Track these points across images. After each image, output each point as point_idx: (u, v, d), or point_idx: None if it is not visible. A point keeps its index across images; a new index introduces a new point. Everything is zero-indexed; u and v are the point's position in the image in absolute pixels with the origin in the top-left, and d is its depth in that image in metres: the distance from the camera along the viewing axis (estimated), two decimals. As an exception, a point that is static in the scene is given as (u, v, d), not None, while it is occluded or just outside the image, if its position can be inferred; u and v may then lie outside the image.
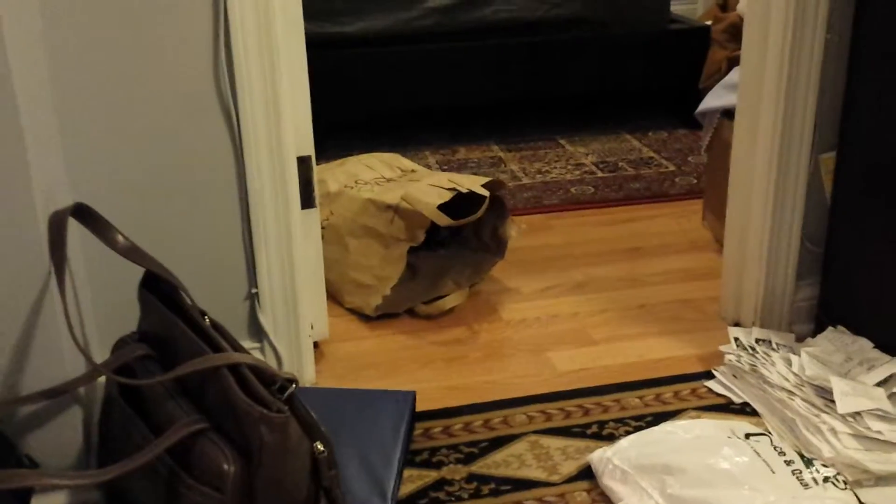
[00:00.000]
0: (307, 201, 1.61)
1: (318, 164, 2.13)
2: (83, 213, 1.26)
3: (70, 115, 1.37)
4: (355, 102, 2.98)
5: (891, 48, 1.53)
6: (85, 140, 1.39)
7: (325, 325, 1.80)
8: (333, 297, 2.00)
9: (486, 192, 1.92)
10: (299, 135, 1.57)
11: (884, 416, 1.44)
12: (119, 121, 1.40)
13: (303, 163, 1.58)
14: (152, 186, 1.45)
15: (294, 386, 1.09)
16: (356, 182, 2.10)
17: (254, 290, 1.55)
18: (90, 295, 1.44)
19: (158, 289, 1.26)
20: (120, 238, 1.26)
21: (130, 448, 1.13)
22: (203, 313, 1.22)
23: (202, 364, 1.10)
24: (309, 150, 1.61)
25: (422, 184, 2.00)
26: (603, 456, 1.41)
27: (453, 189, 1.93)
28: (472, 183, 1.96)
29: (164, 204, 1.46)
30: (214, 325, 1.21)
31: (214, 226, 1.49)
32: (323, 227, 1.95)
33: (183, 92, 1.41)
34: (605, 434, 1.53)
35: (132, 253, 1.25)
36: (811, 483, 1.23)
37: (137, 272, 1.26)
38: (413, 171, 2.20)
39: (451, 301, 1.97)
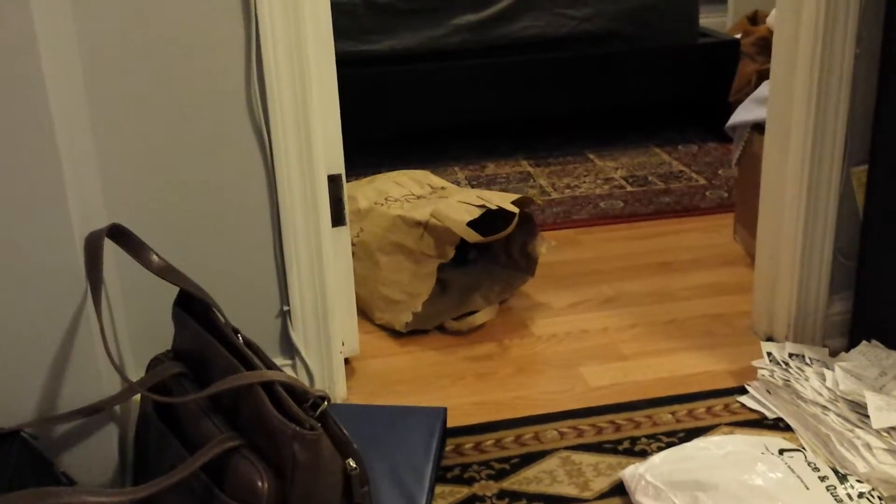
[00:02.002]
0: (338, 219, 1.62)
1: (347, 182, 2.17)
2: (118, 234, 1.28)
3: (106, 137, 1.40)
4: (385, 119, 3.01)
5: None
6: (120, 161, 1.41)
7: (355, 342, 1.81)
8: (364, 313, 2.01)
9: (515, 209, 1.92)
10: (329, 153, 1.58)
11: (920, 432, 1.42)
12: (153, 142, 1.43)
13: (333, 181, 1.60)
14: (186, 207, 1.47)
15: (326, 403, 1.10)
16: (386, 199, 2.12)
17: (285, 308, 1.57)
18: (125, 314, 1.47)
19: (192, 307, 1.27)
20: (155, 258, 1.27)
21: (165, 465, 1.15)
22: (236, 331, 1.23)
23: (236, 381, 1.11)
24: (339, 168, 1.62)
25: (451, 200, 2.01)
26: (635, 472, 1.40)
27: (482, 206, 1.94)
28: (502, 200, 1.97)
29: (197, 223, 1.48)
30: (247, 342, 1.22)
31: (246, 244, 1.51)
32: (353, 244, 1.97)
33: (216, 113, 1.43)
34: (637, 450, 1.53)
35: (167, 272, 1.27)
36: (845, 499, 1.22)
37: (171, 291, 1.28)
38: (442, 188, 2.21)
39: (480, 317, 1.97)
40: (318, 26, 1.51)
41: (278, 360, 1.59)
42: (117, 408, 1.31)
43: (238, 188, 1.48)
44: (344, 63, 2.85)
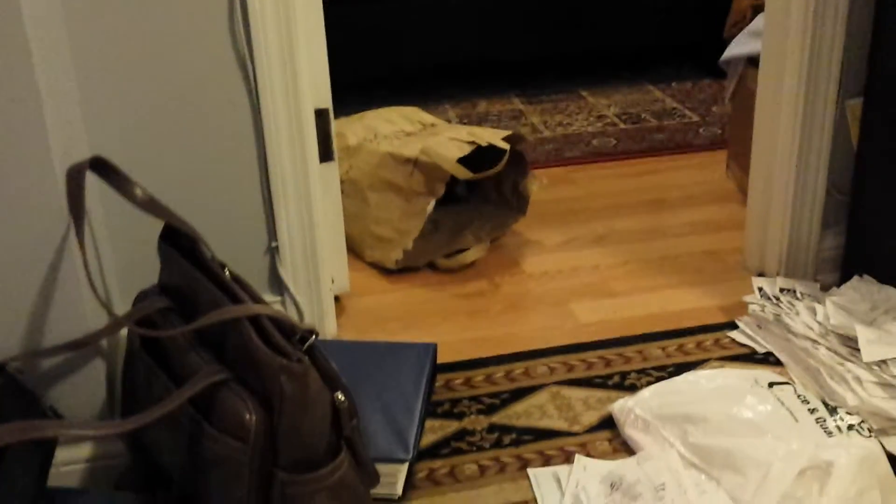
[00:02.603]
0: (326, 155, 1.60)
1: (337, 119, 2.14)
2: (101, 167, 1.25)
3: (86, 69, 1.36)
4: (376, 57, 2.96)
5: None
6: (103, 97, 1.38)
7: (345, 279, 1.80)
8: (354, 251, 1.99)
9: (505, 146, 1.90)
10: (316, 87, 1.55)
11: (910, 365, 1.43)
12: (135, 78, 1.39)
13: (320, 116, 1.57)
14: (170, 140, 1.44)
15: (314, 337, 1.09)
16: (375, 135, 2.09)
17: (274, 244, 1.55)
18: (110, 248, 1.45)
19: (178, 242, 1.25)
20: (138, 191, 1.25)
21: (153, 399, 1.14)
22: (223, 265, 1.21)
23: (222, 315, 1.09)
24: (326, 102, 1.59)
25: (441, 137, 1.98)
26: (625, 406, 1.40)
27: (472, 142, 1.92)
28: (492, 136, 1.94)
29: (182, 157, 1.46)
30: (234, 277, 1.21)
31: (233, 179, 1.49)
32: (343, 182, 1.94)
33: (199, 47, 1.40)
34: (626, 385, 1.53)
35: (151, 206, 1.24)
36: (835, 431, 1.23)
37: (158, 225, 1.26)
38: (433, 124, 2.18)
39: (471, 255, 1.96)
40: (303, -46, 1.47)
41: (267, 297, 1.58)
42: (104, 342, 1.30)
43: (223, 123, 1.45)
44: (334, 0, 2.79)
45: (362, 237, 1.99)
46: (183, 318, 1.21)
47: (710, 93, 3.00)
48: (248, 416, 1.05)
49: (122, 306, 1.43)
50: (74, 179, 1.21)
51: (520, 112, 2.92)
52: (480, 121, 2.84)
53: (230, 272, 1.21)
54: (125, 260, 1.46)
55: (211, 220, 1.49)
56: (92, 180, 1.27)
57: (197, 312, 1.16)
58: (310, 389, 1.05)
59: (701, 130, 2.68)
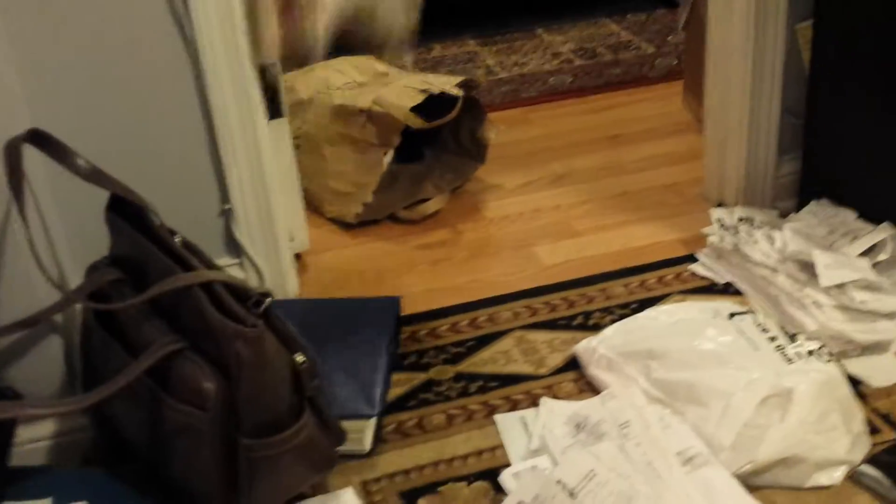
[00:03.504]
0: (275, 111, 1.57)
1: (288, 73, 2.10)
2: (40, 139, 1.22)
3: (21, 42, 1.32)
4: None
5: None
6: (39, 67, 1.34)
7: (305, 237, 1.78)
8: (315, 207, 1.97)
9: (458, 92, 1.87)
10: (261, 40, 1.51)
11: (867, 286, 1.44)
12: (69, 43, 1.35)
13: (266, 71, 1.53)
14: (110, 106, 1.40)
15: (269, 300, 1.08)
16: (327, 87, 2.05)
17: (227, 206, 1.52)
18: (60, 221, 1.42)
19: (126, 211, 1.23)
20: (81, 162, 1.22)
21: (111, 373, 1.13)
22: (173, 232, 1.19)
23: (174, 284, 1.08)
24: (272, 56, 1.56)
25: (394, 86, 1.95)
26: (588, 346, 1.41)
27: (425, 90, 1.89)
28: (445, 83, 1.91)
29: (124, 123, 1.42)
30: (186, 244, 1.19)
31: (179, 142, 1.45)
32: (297, 137, 1.91)
33: (131, 3, 1.35)
34: (590, 324, 1.53)
35: (95, 176, 1.21)
36: (795, 357, 1.24)
37: (106, 195, 1.23)
38: (385, 73, 2.15)
39: (432, 205, 1.94)
40: None
41: (225, 260, 1.56)
42: (59, 318, 1.28)
43: (163, 85, 1.41)
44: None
45: (321, 193, 1.97)
46: (136, 289, 1.19)
47: (665, 23, 2.97)
48: (206, 384, 1.04)
49: (76, 279, 1.40)
50: (12, 154, 1.18)
51: (475, 54, 2.88)
52: (436, 65, 2.80)
53: (182, 239, 1.19)
54: (76, 232, 1.43)
55: (160, 185, 1.45)
56: (36, 154, 1.23)
57: (149, 283, 1.14)
58: (267, 353, 1.04)
59: (657, 62, 2.66)
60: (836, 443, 1.18)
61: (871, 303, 1.41)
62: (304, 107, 2.03)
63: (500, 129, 2.05)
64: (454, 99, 1.87)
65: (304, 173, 1.83)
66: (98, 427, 1.29)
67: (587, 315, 1.56)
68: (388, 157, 1.91)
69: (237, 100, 1.45)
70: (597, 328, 1.50)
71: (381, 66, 2.18)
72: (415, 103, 1.84)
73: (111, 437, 1.26)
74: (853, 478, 1.18)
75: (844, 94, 1.60)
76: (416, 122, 1.83)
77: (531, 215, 1.92)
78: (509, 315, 1.58)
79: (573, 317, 1.56)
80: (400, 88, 1.92)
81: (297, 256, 1.75)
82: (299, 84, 2.08)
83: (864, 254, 1.50)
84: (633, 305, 1.57)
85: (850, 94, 1.59)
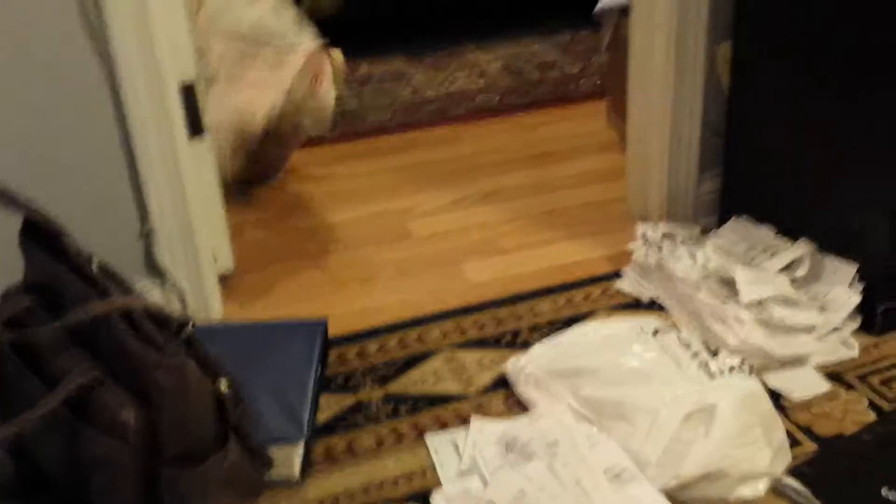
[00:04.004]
0: (195, 129, 1.54)
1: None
2: (-52, 163, 1.18)
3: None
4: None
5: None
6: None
7: (229, 257, 1.75)
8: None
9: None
10: (179, 59, 1.48)
11: (786, 302, 1.47)
12: (-21, 60, 1.31)
13: (187, 89, 1.51)
14: (24, 127, 1.36)
15: (190, 326, 1.06)
16: None
17: (147, 228, 1.49)
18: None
19: (41, 236, 1.19)
20: (-7, 186, 1.18)
21: (27, 404, 1.09)
22: (91, 258, 1.16)
23: (91, 311, 1.05)
24: (191, 74, 1.53)
25: None
26: (517, 365, 1.41)
27: None
28: None
29: (38, 144, 1.38)
30: (104, 269, 1.15)
31: (96, 163, 1.42)
32: None
33: (46, 21, 1.32)
34: (519, 342, 1.54)
35: (7, 200, 1.17)
36: (717, 373, 1.26)
37: (19, 220, 1.19)
38: None
39: None
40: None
41: (146, 283, 1.52)
42: (-30, 348, 1.23)
43: (79, 105, 1.38)
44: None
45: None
46: (53, 316, 1.15)
47: (589, 43, 3.01)
48: (125, 414, 1.01)
49: (-11, 306, 1.35)
50: (-83, 179, 1.13)
51: (402, 73, 2.88)
52: (363, 83, 2.79)
53: (99, 264, 1.16)
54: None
55: (77, 207, 1.41)
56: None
57: (65, 310, 1.10)
58: (189, 382, 1.02)
59: (581, 82, 2.70)
60: (757, 455, 1.20)
61: (790, 318, 1.44)
62: None
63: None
64: None
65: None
66: (14, 459, 1.24)
67: (515, 333, 1.56)
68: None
69: (156, 118, 1.43)
70: (525, 346, 1.50)
71: None
72: None
73: (28, 469, 1.21)
74: (776, 490, 1.20)
75: (762, 114, 1.65)
76: None
77: (459, 233, 1.93)
78: (438, 334, 1.57)
79: (502, 335, 1.56)
80: None
81: (223, 278, 1.72)
82: None
83: (783, 270, 1.54)
84: (561, 323, 1.58)
85: (768, 113, 1.63)
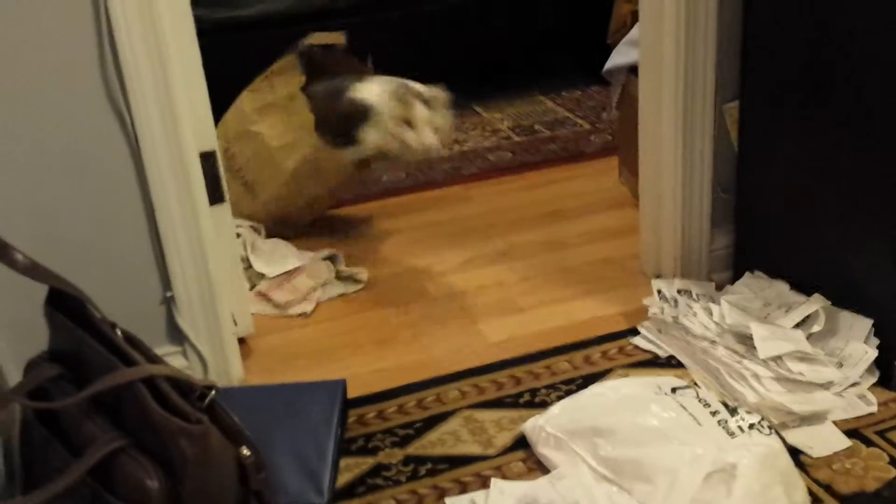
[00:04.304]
0: (215, 197, 1.57)
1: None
2: (-24, 235, 1.21)
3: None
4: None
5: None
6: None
7: (249, 321, 1.77)
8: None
9: None
10: (200, 129, 1.52)
11: (803, 358, 1.48)
12: (8, 135, 1.35)
13: (207, 158, 1.54)
14: (50, 197, 1.40)
15: (213, 393, 1.07)
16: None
17: (169, 294, 1.51)
18: (-2, 316, 1.39)
19: (65, 305, 1.21)
20: (19, 257, 1.20)
21: (51, 473, 1.10)
22: (114, 325, 1.18)
23: (114, 380, 1.06)
24: (212, 144, 1.57)
25: None
26: (536, 424, 1.41)
27: None
28: None
29: (64, 214, 1.41)
30: (127, 336, 1.17)
31: (120, 232, 1.45)
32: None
33: (71, 98, 1.36)
34: (537, 401, 1.54)
35: (33, 271, 1.20)
36: (737, 431, 1.26)
37: (45, 289, 1.22)
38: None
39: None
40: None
41: (167, 348, 1.54)
42: (-4, 417, 1.25)
43: (104, 173, 1.41)
44: (212, 31, 2.73)
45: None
46: (77, 384, 1.17)
47: (599, 100, 3.05)
48: (149, 483, 1.02)
49: (18, 374, 1.37)
50: (-54, 251, 1.16)
51: (415, 131, 2.92)
52: (377, 143, 2.83)
53: (122, 331, 1.18)
54: (14, 327, 1.41)
55: (100, 274, 1.44)
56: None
57: (90, 378, 1.12)
58: (212, 449, 1.03)
59: (592, 138, 2.73)
60: (780, 515, 1.20)
61: (808, 374, 1.44)
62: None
63: None
64: None
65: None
66: (37, 528, 1.24)
67: (534, 392, 1.57)
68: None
69: (178, 187, 1.46)
70: (543, 405, 1.51)
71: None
72: None
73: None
74: (799, 549, 1.20)
75: (772, 170, 1.67)
76: None
77: (475, 292, 1.94)
78: (456, 394, 1.58)
79: (520, 394, 1.57)
80: None
81: (241, 340, 1.74)
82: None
83: (799, 325, 1.55)
84: (579, 381, 1.58)
85: (778, 170, 1.65)
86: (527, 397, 1.56)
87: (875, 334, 1.51)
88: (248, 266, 2.00)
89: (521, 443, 1.44)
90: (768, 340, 1.49)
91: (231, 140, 2.12)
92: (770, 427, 1.29)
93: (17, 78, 1.33)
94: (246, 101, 2.16)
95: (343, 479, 1.39)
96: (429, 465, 1.41)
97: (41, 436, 1.17)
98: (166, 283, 1.51)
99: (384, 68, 3.03)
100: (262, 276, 1.99)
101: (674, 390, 1.38)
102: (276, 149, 2.10)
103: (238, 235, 2.01)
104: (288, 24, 2.87)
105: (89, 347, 1.15)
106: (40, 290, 1.23)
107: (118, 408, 1.10)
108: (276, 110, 2.12)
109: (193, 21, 1.50)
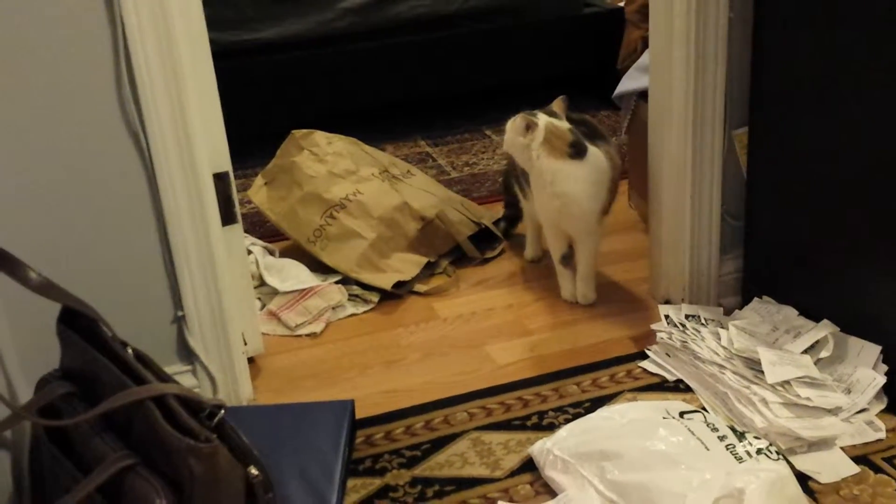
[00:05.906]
0: (228, 217, 1.59)
1: (256, 168, 2.27)
2: (-9, 253, 1.22)
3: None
4: (277, 109, 2.95)
5: (790, 18, 1.56)
6: (-11, 176, 1.35)
7: (259, 341, 1.78)
8: (341, 267, 2.07)
9: (498, 233, 2.24)
10: (214, 151, 1.54)
11: (811, 383, 1.48)
12: (23, 154, 1.37)
13: (220, 179, 1.56)
14: (64, 217, 1.41)
15: (222, 412, 1.08)
16: (382, 172, 2.25)
17: (180, 313, 1.53)
18: (10, 334, 1.41)
19: (77, 323, 1.23)
20: (32, 275, 1.22)
21: (60, 490, 1.11)
22: (125, 344, 1.19)
23: (125, 398, 1.07)
24: (226, 165, 1.58)
25: (451, 208, 2.22)
26: (543, 447, 1.42)
27: (478, 223, 2.22)
28: (484, 214, 2.29)
29: (77, 233, 1.43)
30: (138, 355, 1.19)
31: (132, 251, 1.47)
32: (349, 201, 2.12)
33: (87, 119, 1.38)
34: (545, 424, 1.54)
35: (45, 289, 1.21)
36: (745, 457, 1.26)
37: (57, 307, 1.23)
38: (409, 171, 2.34)
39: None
40: (189, 21, 1.46)
41: (177, 367, 1.55)
42: (8, 433, 1.26)
43: (118, 194, 1.43)
44: (230, 54, 2.76)
45: (358, 258, 2.06)
46: (87, 402, 1.18)
47: (608, 125, 3.07)
48: (157, 501, 1.03)
49: (28, 391, 1.38)
50: (-38, 268, 1.17)
51: (427, 154, 2.94)
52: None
53: (133, 350, 1.19)
54: (26, 345, 1.42)
55: (113, 293, 1.45)
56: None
57: (100, 396, 1.13)
58: (220, 469, 1.04)
59: (603, 161, 2.73)
60: (788, 541, 1.20)
61: (816, 399, 1.44)
62: (359, 179, 2.20)
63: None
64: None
65: (349, 233, 2.08)
66: (45, 545, 1.25)
67: (541, 415, 1.57)
68: (426, 261, 2.11)
69: (191, 207, 1.48)
70: (551, 428, 1.51)
71: (379, 156, 2.34)
72: (471, 233, 2.19)
73: (58, 555, 1.22)
74: (807, 576, 1.19)
75: (780, 196, 1.68)
76: (473, 252, 2.18)
77: (484, 314, 1.95)
78: (464, 416, 1.58)
79: (528, 417, 1.57)
80: (456, 213, 2.22)
81: (251, 360, 1.75)
82: (337, 157, 2.24)
83: (807, 350, 1.55)
84: (586, 404, 1.58)
85: (786, 196, 1.66)
86: (535, 420, 1.56)
87: (884, 360, 1.51)
88: (259, 284, 2.02)
89: (529, 465, 1.44)
90: (777, 365, 1.49)
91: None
92: (778, 452, 1.29)
93: (33, 98, 1.35)
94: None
95: (350, 500, 1.39)
96: (436, 487, 1.41)
97: (50, 453, 1.18)
98: (178, 302, 1.52)
99: (405, 91, 3.08)
100: (273, 292, 2.00)
101: (682, 414, 1.38)
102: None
103: (249, 252, 2.03)
104: (304, 46, 2.91)
105: (100, 365, 1.16)
106: (53, 308, 1.24)
107: (128, 426, 1.11)
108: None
109: (209, 43, 1.53)
